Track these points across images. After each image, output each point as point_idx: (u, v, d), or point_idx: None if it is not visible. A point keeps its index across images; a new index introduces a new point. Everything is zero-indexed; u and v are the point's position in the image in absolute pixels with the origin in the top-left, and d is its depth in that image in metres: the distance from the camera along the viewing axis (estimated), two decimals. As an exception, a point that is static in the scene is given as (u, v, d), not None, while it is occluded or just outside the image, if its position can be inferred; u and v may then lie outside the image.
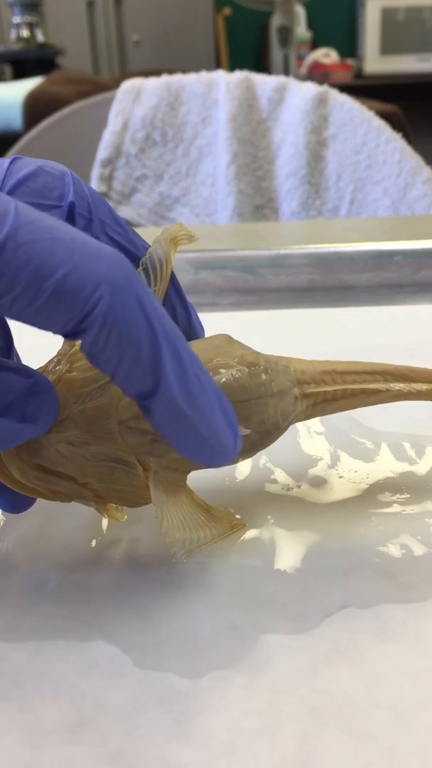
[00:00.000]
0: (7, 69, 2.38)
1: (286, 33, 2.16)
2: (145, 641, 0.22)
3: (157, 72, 1.04)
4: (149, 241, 0.25)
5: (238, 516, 0.26)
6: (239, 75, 1.01)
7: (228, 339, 0.25)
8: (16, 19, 2.47)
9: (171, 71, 1.04)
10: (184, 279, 0.51)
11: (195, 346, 0.24)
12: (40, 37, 2.47)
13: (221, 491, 0.28)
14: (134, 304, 0.17)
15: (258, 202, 1.01)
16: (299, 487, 0.28)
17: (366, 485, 0.28)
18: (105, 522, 0.27)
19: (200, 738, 0.19)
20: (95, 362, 0.18)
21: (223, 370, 0.23)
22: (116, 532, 0.26)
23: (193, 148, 1.02)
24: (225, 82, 1.00)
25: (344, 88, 1.03)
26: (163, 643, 0.21)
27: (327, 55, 2.92)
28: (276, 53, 2.39)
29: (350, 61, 2.96)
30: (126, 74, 1.72)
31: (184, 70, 1.04)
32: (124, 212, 1.02)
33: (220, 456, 0.20)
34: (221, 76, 1.01)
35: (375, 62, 2.97)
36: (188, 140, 1.02)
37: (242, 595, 0.23)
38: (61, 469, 0.23)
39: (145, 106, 1.01)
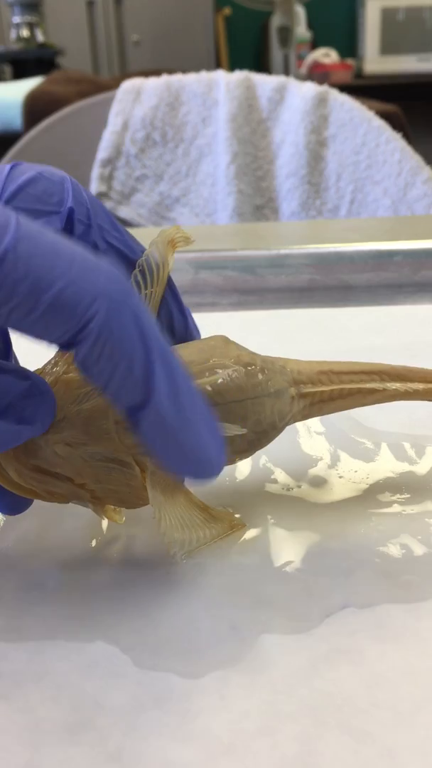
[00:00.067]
0: (7, 69, 2.38)
1: (286, 33, 2.16)
2: (145, 641, 0.22)
3: (157, 72, 1.04)
4: (147, 242, 0.25)
5: (237, 516, 0.26)
6: (239, 75, 1.01)
7: (225, 340, 0.25)
8: (16, 19, 2.47)
9: (171, 71, 1.04)
10: (184, 279, 0.51)
11: (192, 347, 0.24)
12: (40, 37, 2.47)
13: (221, 491, 0.28)
14: (130, 319, 0.18)
15: (258, 202, 1.01)
16: (299, 487, 0.28)
17: (366, 485, 0.28)
18: (104, 522, 0.26)
19: (200, 738, 0.19)
20: (88, 374, 0.18)
21: (219, 370, 0.23)
22: (116, 531, 0.26)
23: (193, 148, 1.02)
24: (225, 82, 1.00)
25: (344, 88, 1.03)
26: (162, 642, 0.21)
27: (327, 55, 2.92)
28: (276, 53, 2.39)
29: (350, 61, 2.96)
30: (126, 74, 1.72)
31: (184, 70, 1.04)
32: (124, 212, 1.02)
33: (203, 473, 0.21)
34: (221, 76, 1.01)
35: (375, 62, 2.97)
36: (188, 140, 1.02)
37: (242, 595, 0.23)
38: (58, 470, 0.23)
39: (145, 106, 1.01)
